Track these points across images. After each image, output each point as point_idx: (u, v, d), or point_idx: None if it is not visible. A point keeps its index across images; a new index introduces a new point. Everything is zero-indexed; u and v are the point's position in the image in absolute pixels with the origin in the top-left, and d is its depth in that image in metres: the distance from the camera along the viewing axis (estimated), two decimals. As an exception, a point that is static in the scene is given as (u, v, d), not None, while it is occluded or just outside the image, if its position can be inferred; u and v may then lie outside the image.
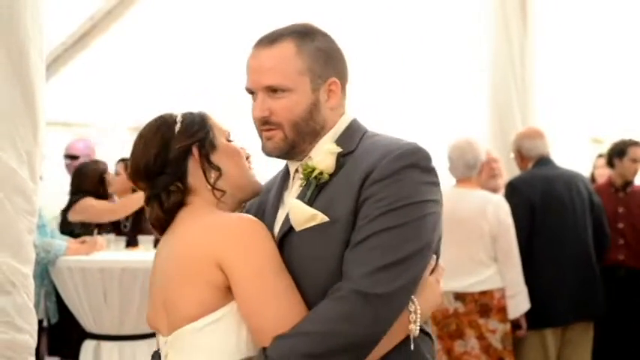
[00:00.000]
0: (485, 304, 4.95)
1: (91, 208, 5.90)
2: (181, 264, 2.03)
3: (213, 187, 2.16)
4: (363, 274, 1.92)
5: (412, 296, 2.01)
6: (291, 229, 2.08)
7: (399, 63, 8.44)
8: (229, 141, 2.24)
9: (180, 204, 2.17)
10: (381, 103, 8.24)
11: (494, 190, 5.40)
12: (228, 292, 2.01)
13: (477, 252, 4.98)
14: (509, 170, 5.98)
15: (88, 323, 5.22)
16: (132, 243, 5.86)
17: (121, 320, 5.12)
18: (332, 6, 8.07)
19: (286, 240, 2.09)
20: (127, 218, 6.09)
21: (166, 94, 9.24)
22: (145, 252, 5.49)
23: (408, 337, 2.05)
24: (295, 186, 2.18)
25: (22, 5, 3.82)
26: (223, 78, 8.94)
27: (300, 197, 2.10)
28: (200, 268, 1.99)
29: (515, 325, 5.09)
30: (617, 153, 6.22)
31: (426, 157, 2.06)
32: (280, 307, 1.95)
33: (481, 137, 5.98)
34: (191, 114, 2.22)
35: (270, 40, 2.14)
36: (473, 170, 5.09)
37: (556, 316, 5.30)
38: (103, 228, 5.96)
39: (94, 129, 8.85)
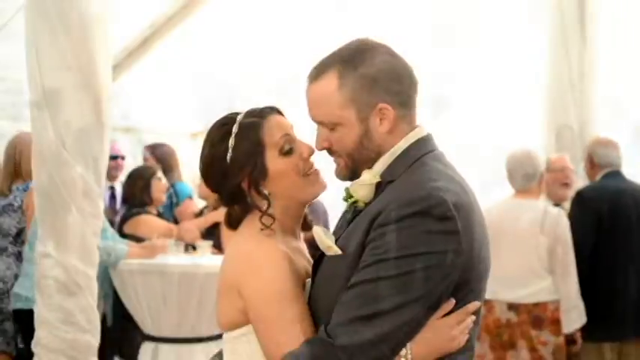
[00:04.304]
0: (538, 315, 4.94)
1: (144, 225, 5.98)
2: (221, 284, 2.22)
3: (263, 213, 2.19)
4: (337, 324, 1.95)
5: (407, 343, 1.96)
6: None
7: (458, 71, 8.43)
8: (285, 153, 2.22)
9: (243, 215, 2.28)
10: (441, 114, 8.24)
11: (562, 199, 5.36)
12: None
13: (531, 263, 4.98)
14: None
15: (146, 326, 5.32)
16: (190, 247, 5.96)
17: (179, 323, 5.20)
18: (388, 14, 8.09)
19: (322, 259, 2.13)
20: None
21: (228, 100, 9.33)
22: (202, 256, 5.58)
23: None
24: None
25: (92, 14, 3.94)
26: (286, 83, 9.00)
27: (342, 219, 2.22)
28: (229, 295, 2.16)
29: (570, 339, 5.07)
30: None
31: (441, 204, 1.94)
32: (282, 335, 2.03)
33: (538, 151, 5.94)
34: (243, 129, 2.21)
35: (316, 73, 2.12)
36: (532, 181, 5.09)
37: (615, 330, 5.27)
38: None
39: (155, 134, 8.92)
